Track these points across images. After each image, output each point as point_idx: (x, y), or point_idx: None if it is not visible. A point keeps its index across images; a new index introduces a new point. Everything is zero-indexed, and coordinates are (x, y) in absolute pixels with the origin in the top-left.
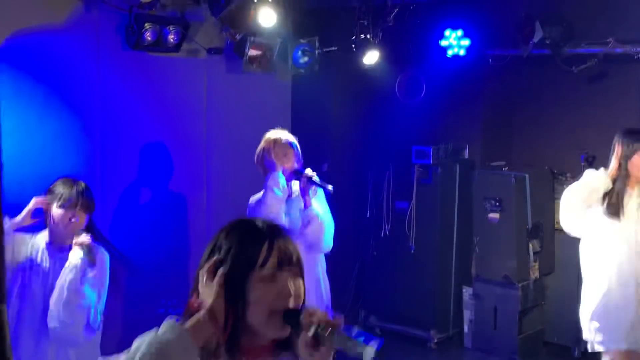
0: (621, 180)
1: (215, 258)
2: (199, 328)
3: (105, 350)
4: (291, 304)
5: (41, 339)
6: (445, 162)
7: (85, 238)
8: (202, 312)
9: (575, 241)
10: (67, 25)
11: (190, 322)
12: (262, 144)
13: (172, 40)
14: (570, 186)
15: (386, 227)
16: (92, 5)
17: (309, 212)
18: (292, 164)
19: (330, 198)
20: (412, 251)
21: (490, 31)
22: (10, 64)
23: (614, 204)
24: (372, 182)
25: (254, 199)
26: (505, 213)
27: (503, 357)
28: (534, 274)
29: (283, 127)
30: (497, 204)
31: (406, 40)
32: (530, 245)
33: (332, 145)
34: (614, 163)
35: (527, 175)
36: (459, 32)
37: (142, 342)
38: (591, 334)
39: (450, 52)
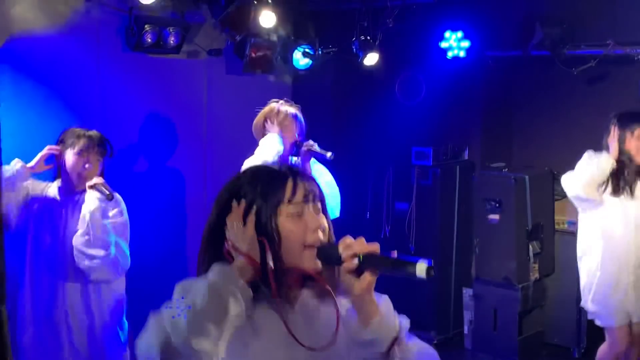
0: (629, 163)
1: (243, 202)
2: (242, 271)
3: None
4: (321, 236)
5: (57, 279)
6: (445, 163)
7: (97, 179)
8: (240, 258)
9: (575, 242)
10: (68, 27)
11: (233, 267)
12: (264, 111)
13: (172, 41)
14: (576, 170)
15: (386, 228)
16: (93, 6)
17: None
18: (294, 135)
19: (329, 166)
20: (412, 252)
21: (490, 33)
22: (11, 65)
23: (621, 185)
24: (372, 183)
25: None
26: (505, 214)
27: (503, 358)
28: (534, 275)
29: None
30: (497, 205)
31: (406, 41)
32: (531, 247)
33: (331, 146)
34: (615, 145)
35: (527, 177)
36: (459, 34)
37: (195, 289)
38: (587, 306)
39: (450, 54)
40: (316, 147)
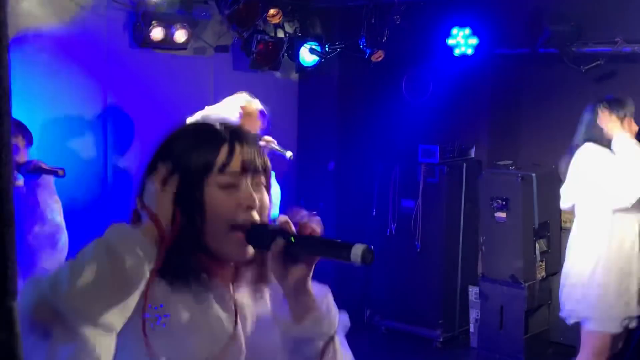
0: None
1: (166, 165)
2: (145, 233)
3: None
4: (254, 216)
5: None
6: (451, 161)
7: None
8: (146, 219)
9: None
10: (75, 22)
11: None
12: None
13: (179, 38)
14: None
15: (392, 225)
16: (100, 2)
17: None
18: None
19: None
20: (418, 250)
21: (497, 30)
22: (19, 60)
23: None
24: (378, 181)
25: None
26: (512, 212)
27: (509, 356)
28: (541, 273)
29: (290, 124)
30: (504, 203)
31: (413, 38)
32: (537, 245)
33: (338, 143)
34: (617, 127)
35: (534, 175)
36: (467, 31)
37: (81, 254)
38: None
39: (457, 51)
40: (275, 145)
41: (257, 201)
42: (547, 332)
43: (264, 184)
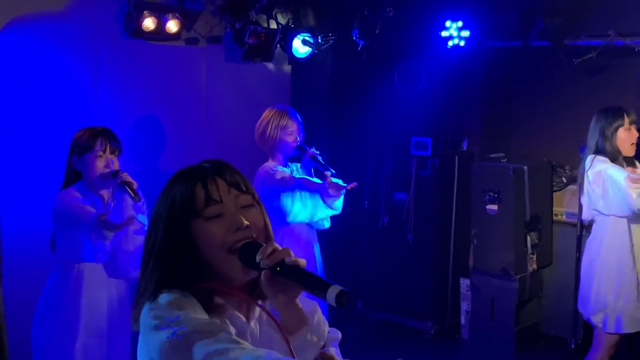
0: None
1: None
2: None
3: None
4: (247, 234)
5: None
6: (444, 153)
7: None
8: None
9: (573, 233)
10: (66, 12)
11: None
12: (273, 119)
13: (171, 28)
14: (624, 182)
15: (384, 218)
16: None
17: None
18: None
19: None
20: (410, 242)
21: (490, 22)
22: (9, 50)
23: None
24: (371, 173)
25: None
26: (504, 205)
27: (499, 348)
28: (532, 266)
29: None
30: (496, 195)
31: (406, 30)
32: (528, 238)
33: (330, 135)
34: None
35: (525, 167)
36: (459, 23)
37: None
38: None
39: (450, 43)
40: (319, 158)
41: (244, 221)
42: (538, 325)
43: (252, 203)
